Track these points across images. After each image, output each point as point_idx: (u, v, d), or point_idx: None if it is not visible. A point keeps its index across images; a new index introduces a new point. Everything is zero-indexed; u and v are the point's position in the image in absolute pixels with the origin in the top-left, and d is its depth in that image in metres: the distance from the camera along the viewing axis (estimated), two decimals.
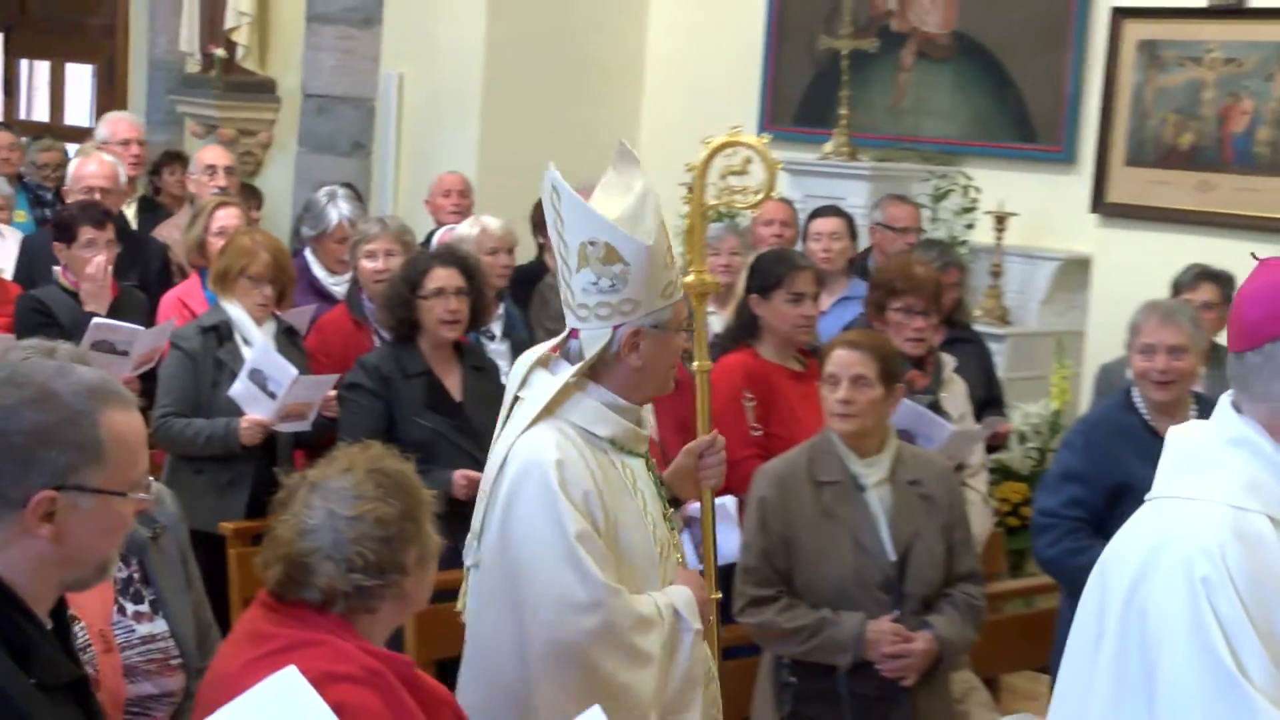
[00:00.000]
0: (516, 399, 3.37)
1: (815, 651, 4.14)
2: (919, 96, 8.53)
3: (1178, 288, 5.79)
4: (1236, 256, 6.32)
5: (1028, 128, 8.06)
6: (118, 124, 7.72)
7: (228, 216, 6.14)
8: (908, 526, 4.22)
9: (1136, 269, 6.81)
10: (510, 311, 6.12)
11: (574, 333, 3.34)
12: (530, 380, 3.35)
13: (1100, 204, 7.65)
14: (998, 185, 7.88)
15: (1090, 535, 4.49)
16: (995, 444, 5.85)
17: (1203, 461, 2.56)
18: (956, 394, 5.41)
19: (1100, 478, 4.52)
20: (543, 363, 3.37)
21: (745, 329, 5.09)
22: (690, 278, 3.60)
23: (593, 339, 3.29)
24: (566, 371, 3.31)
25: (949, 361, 5.47)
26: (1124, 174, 7.57)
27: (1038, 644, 4.92)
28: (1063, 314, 7.78)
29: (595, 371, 3.32)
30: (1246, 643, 2.39)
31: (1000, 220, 7.70)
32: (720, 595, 3.66)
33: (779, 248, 5.97)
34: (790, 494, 4.24)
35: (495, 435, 3.41)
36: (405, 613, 2.81)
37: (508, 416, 3.38)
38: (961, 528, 4.37)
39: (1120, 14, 7.55)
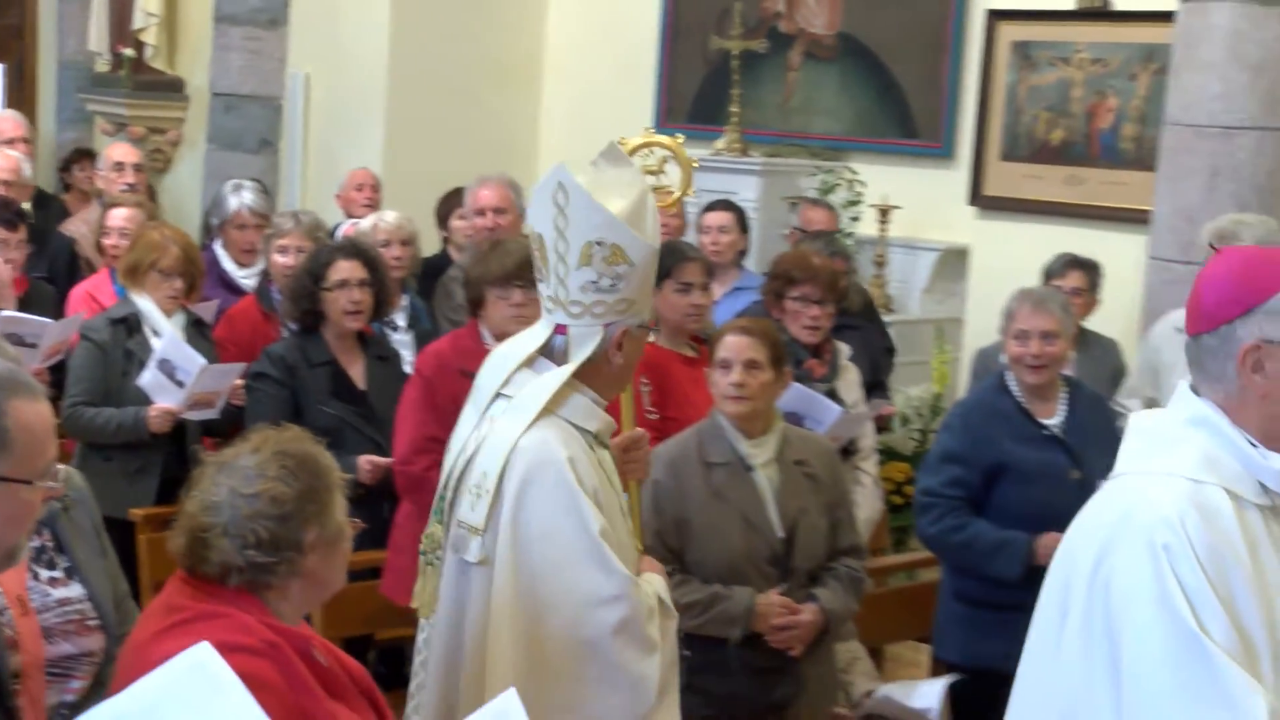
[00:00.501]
0: (499, 396, 3.29)
1: (708, 625, 4.16)
2: (807, 95, 8.60)
3: (1049, 275, 5.89)
4: (1104, 246, 6.49)
5: (909, 125, 8.14)
6: (3, 122, 7.61)
7: (120, 218, 6.11)
8: (794, 504, 4.24)
9: (1011, 258, 6.90)
10: (415, 303, 6.11)
11: (560, 329, 3.27)
12: (515, 380, 3.28)
13: (977, 197, 7.76)
14: (881, 180, 7.95)
15: (969, 513, 4.55)
16: (878, 425, 5.91)
17: (1162, 441, 2.59)
18: (851, 382, 5.46)
19: (978, 458, 4.56)
20: (527, 363, 3.30)
21: None
22: None
23: (583, 337, 3.24)
24: (554, 369, 3.25)
25: (844, 350, 5.50)
26: (999, 168, 7.69)
27: (919, 615, 4.98)
28: (943, 301, 7.88)
29: (585, 368, 3.26)
30: (1208, 606, 2.40)
31: (884, 213, 7.78)
32: None
33: (669, 239, 5.98)
34: (682, 475, 4.24)
35: (466, 433, 3.32)
36: (318, 592, 2.77)
37: (484, 413, 3.30)
38: (844, 505, 4.41)
39: (995, 16, 7.67)
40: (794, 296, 5.29)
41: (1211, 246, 2.70)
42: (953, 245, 7.87)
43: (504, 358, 3.35)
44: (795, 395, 4.85)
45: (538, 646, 3.16)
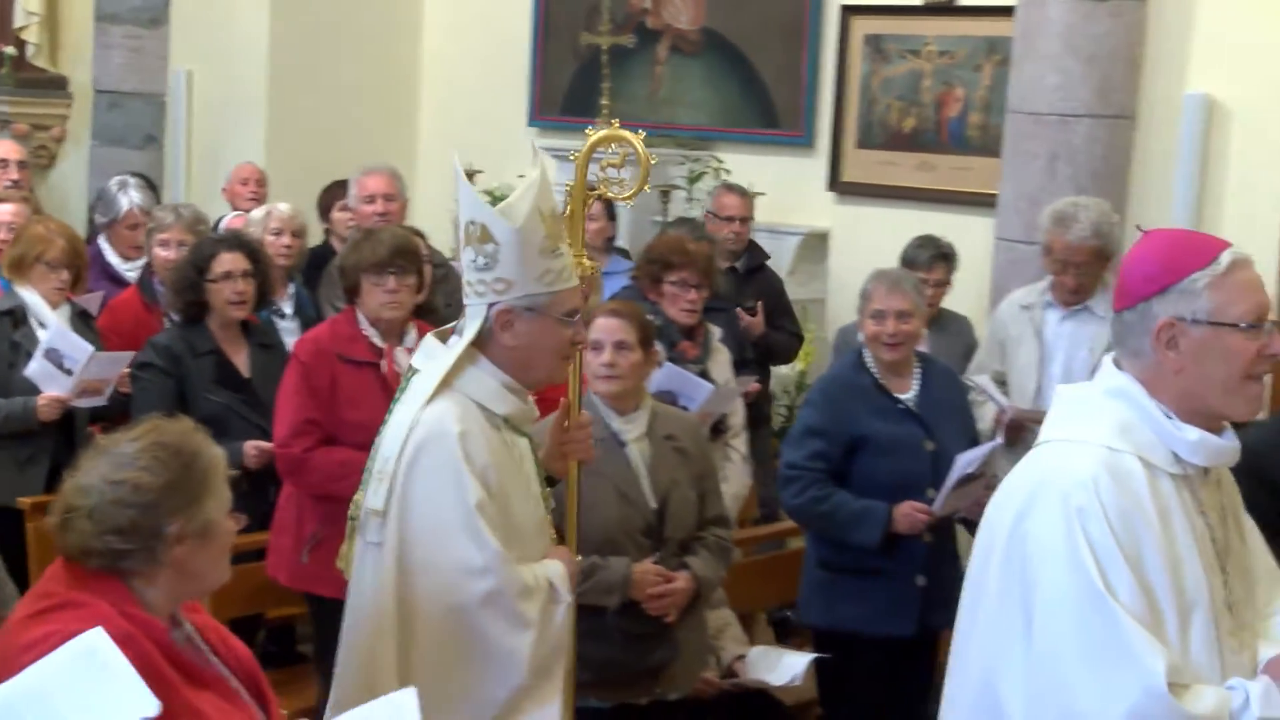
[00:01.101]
0: (413, 370, 3.30)
1: (587, 594, 4.14)
2: (674, 88, 8.62)
3: (911, 265, 5.90)
4: (954, 228, 6.59)
5: (771, 115, 8.19)
6: None
7: (5, 213, 5.98)
8: (665, 477, 4.27)
9: (868, 241, 7.00)
10: (300, 291, 6.06)
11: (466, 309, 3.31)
12: (427, 351, 3.31)
13: (836, 183, 7.83)
14: (746, 167, 7.99)
15: (831, 484, 4.58)
16: (750, 403, 5.95)
17: (1083, 410, 2.63)
18: (722, 362, 5.50)
19: (838, 432, 4.59)
20: (440, 337, 3.33)
21: None
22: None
23: (473, 314, 3.24)
24: (457, 345, 3.26)
25: (716, 332, 5.54)
26: (856, 156, 7.76)
27: (787, 583, 5.01)
28: (806, 284, 7.93)
29: (483, 348, 3.25)
30: (1116, 567, 2.44)
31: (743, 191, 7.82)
32: (581, 560, 3.64)
33: None
34: None
35: (390, 409, 3.30)
36: (192, 584, 2.67)
37: (404, 388, 3.31)
38: (710, 477, 4.45)
39: (848, 11, 7.73)
40: (672, 281, 5.33)
41: (1139, 228, 2.74)
42: (814, 229, 7.94)
43: (428, 335, 3.37)
44: (669, 374, 4.88)
45: (414, 614, 3.15)
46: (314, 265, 6.44)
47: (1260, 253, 6.31)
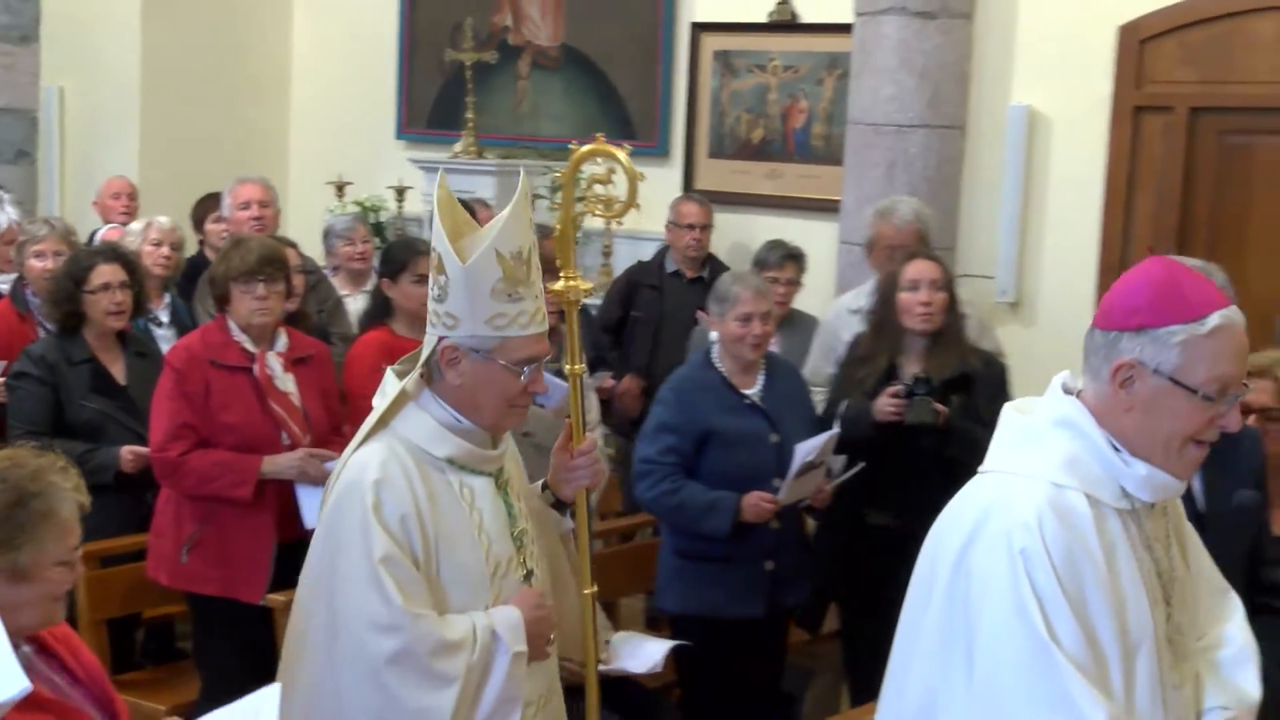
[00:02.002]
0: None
1: None
2: (535, 101, 8.66)
3: (763, 266, 5.97)
4: (802, 233, 6.71)
5: (628, 127, 8.25)
6: None
7: None
8: (527, 474, 4.30)
9: (721, 245, 7.07)
10: (176, 300, 6.01)
11: None
12: (382, 388, 2.98)
13: (690, 191, 7.91)
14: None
15: (683, 477, 4.61)
16: (602, 398, 6.01)
17: (1029, 439, 2.45)
18: None
19: (689, 428, 4.62)
20: (399, 373, 2.99)
21: (380, 309, 5.10)
22: (560, 284, 3.23)
23: (427, 342, 2.93)
24: (409, 377, 2.94)
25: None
26: (709, 165, 7.86)
27: (647, 571, 5.07)
28: None
29: (431, 381, 2.93)
30: (1060, 613, 2.29)
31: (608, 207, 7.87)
32: (596, 589, 3.33)
33: (405, 236, 5.99)
34: None
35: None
36: (5, 617, 2.44)
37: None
38: None
39: (698, 28, 7.83)
40: None
41: (1150, 249, 2.58)
42: None
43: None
44: None
45: (329, 663, 2.89)
46: (189, 275, 6.37)
47: (1080, 250, 6.63)
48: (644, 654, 4.45)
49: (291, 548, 4.17)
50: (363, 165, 8.98)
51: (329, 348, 5.04)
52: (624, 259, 8.03)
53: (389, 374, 2.98)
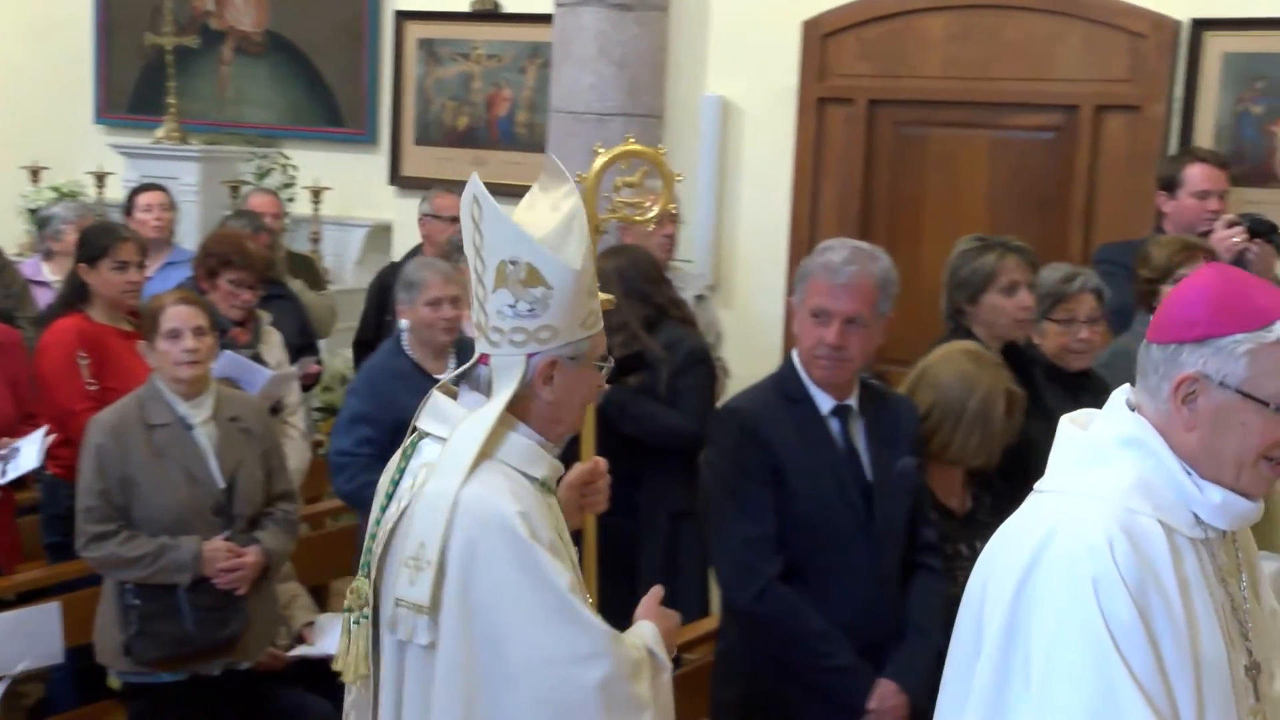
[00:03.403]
0: (420, 433, 2.64)
1: (158, 574, 4.09)
2: (240, 87, 8.46)
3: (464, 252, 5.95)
4: None
5: (336, 114, 8.16)
6: None
7: None
8: (232, 457, 4.23)
9: None
10: None
11: (484, 359, 2.59)
12: (434, 408, 2.62)
13: (397, 177, 7.89)
14: (313, 164, 7.95)
15: (381, 468, 4.57)
16: (308, 383, 5.93)
17: (1094, 458, 2.21)
18: (273, 345, 5.43)
19: (384, 417, 4.50)
20: (445, 391, 2.65)
21: (76, 295, 4.92)
22: None
23: (505, 368, 2.55)
24: (482, 403, 2.57)
25: (265, 317, 5.48)
26: (415, 152, 7.83)
27: (352, 553, 5.02)
28: (374, 272, 7.93)
29: (514, 404, 2.56)
30: (1136, 649, 2.04)
31: (316, 194, 7.78)
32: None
33: (103, 221, 5.79)
34: (124, 438, 4.15)
35: (391, 473, 2.65)
36: None
37: (410, 454, 2.64)
38: (276, 455, 4.42)
39: (402, 16, 7.78)
40: (230, 279, 5.24)
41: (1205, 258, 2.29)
42: (379, 221, 7.98)
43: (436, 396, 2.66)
44: (227, 361, 4.82)
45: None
46: None
47: (773, 235, 6.85)
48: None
49: None
50: (59, 150, 8.60)
51: (19, 333, 4.83)
52: (333, 243, 7.94)
53: (439, 397, 2.63)
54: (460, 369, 2.63)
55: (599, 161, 2.94)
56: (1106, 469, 2.18)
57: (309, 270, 6.75)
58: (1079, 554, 2.07)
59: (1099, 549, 2.07)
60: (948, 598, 3.37)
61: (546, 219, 2.55)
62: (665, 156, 3.02)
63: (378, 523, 2.62)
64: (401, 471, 2.62)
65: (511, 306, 2.50)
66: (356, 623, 2.58)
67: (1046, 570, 2.10)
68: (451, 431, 2.53)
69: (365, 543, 2.63)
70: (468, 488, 2.48)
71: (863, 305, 3.32)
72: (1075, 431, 2.27)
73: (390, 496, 2.62)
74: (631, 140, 3.04)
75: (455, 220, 6.38)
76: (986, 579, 2.21)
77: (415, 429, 2.62)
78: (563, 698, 2.46)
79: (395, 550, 2.55)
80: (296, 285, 6.32)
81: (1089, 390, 4.44)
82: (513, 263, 2.48)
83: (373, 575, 2.59)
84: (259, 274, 5.28)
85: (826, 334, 3.32)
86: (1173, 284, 4.69)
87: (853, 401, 3.44)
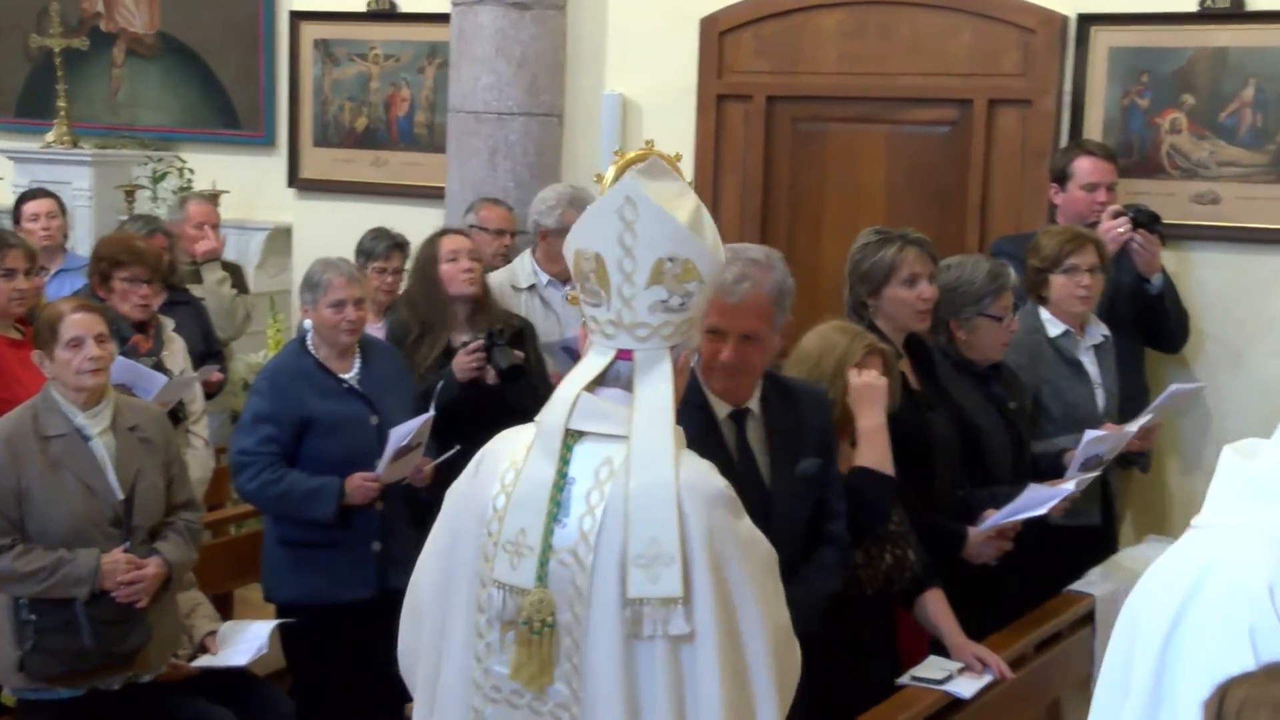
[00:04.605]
0: (577, 434, 2.58)
1: (55, 588, 4.00)
2: (133, 90, 8.29)
3: (370, 257, 5.85)
4: (408, 219, 6.66)
5: (232, 116, 8.03)
6: None
7: None
8: (131, 467, 4.14)
9: (329, 234, 6.92)
10: None
11: (624, 354, 2.59)
12: (589, 409, 2.57)
13: (296, 180, 7.76)
14: (211, 167, 7.82)
15: (284, 466, 4.51)
16: (210, 391, 5.83)
17: (1259, 492, 2.02)
18: (176, 352, 5.36)
19: (287, 416, 4.51)
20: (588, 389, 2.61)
21: None
22: None
23: (650, 361, 2.57)
24: (626, 399, 2.57)
25: (168, 323, 5.41)
26: (314, 154, 7.71)
27: (256, 561, 4.92)
28: (274, 276, 7.84)
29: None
30: None
31: (214, 198, 7.63)
32: None
33: None
34: (18, 450, 4.05)
35: (545, 483, 2.56)
36: None
37: (569, 458, 2.58)
38: (177, 463, 4.34)
39: (297, 17, 7.64)
40: (123, 278, 5.16)
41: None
42: (278, 224, 7.86)
43: (569, 388, 2.61)
44: (122, 368, 4.72)
45: (771, 664, 2.57)
46: None
47: None
48: (248, 639, 4.37)
49: None
50: None
51: None
52: (233, 248, 7.79)
53: (588, 397, 2.60)
54: (597, 371, 2.60)
55: (619, 164, 3.11)
56: (1271, 503, 1.98)
57: (237, 276, 6.69)
58: (1236, 599, 1.91)
59: (1259, 596, 1.88)
60: (841, 567, 3.46)
61: (679, 214, 2.59)
62: (677, 159, 3.07)
63: (550, 533, 2.56)
64: (563, 475, 2.57)
65: (664, 302, 2.56)
66: (537, 633, 2.55)
67: (1199, 615, 1.94)
68: (623, 427, 2.55)
69: (539, 553, 2.54)
70: (682, 474, 2.52)
71: (758, 322, 3.23)
72: (1239, 461, 2.07)
73: (558, 503, 2.57)
74: (651, 144, 3.15)
75: (500, 233, 6.15)
76: (1136, 618, 2.06)
77: (568, 431, 2.58)
78: (790, 663, 2.63)
79: (604, 552, 2.51)
80: (223, 286, 6.29)
81: (998, 382, 4.50)
82: (671, 259, 2.54)
83: (566, 590, 2.53)
84: (153, 269, 5.20)
85: (722, 353, 3.24)
86: (1062, 273, 4.78)
87: (753, 404, 3.35)
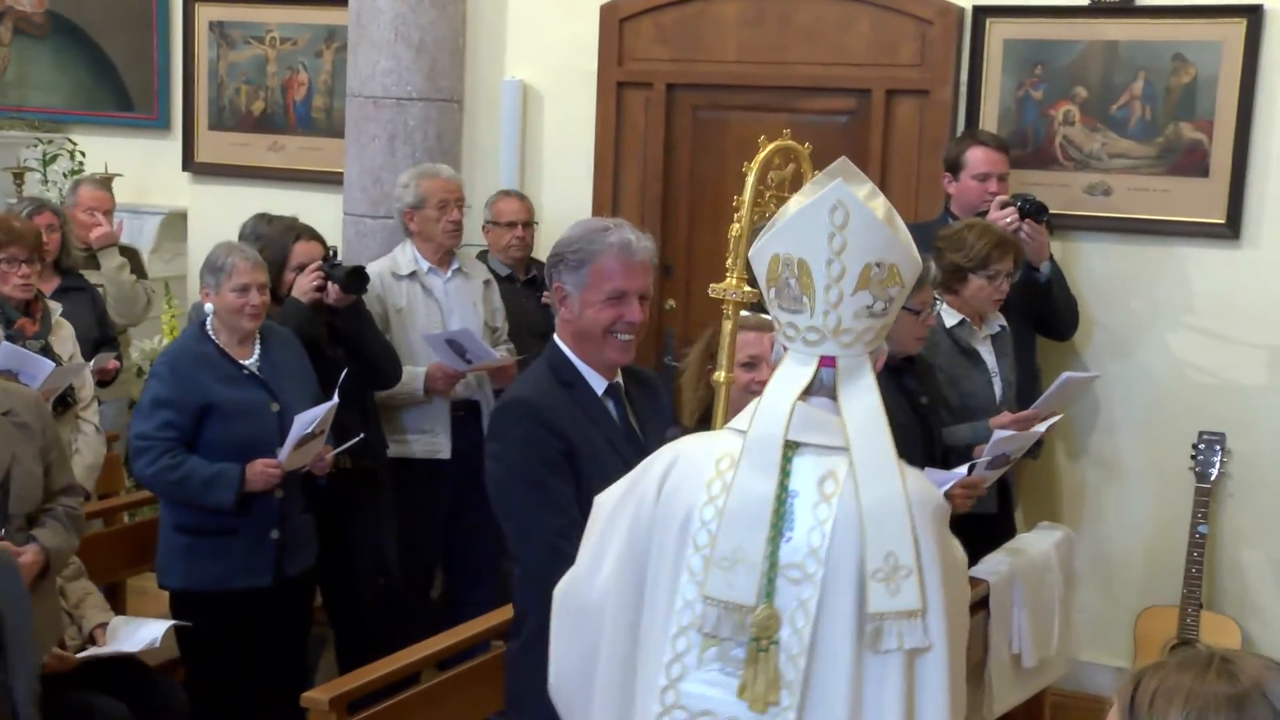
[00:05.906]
0: (796, 446, 2.51)
1: None
2: (21, 70, 8.04)
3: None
4: (306, 204, 6.57)
5: (125, 98, 7.82)
6: None
7: None
8: (6, 453, 4.00)
9: (224, 219, 6.72)
10: None
11: (825, 362, 2.54)
12: (808, 420, 2.52)
13: (191, 164, 7.59)
14: (103, 150, 7.62)
15: (183, 452, 4.44)
16: (105, 379, 5.69)
17: None
18: (65, 337, 5.22)
19: (186, 401, 4.45)
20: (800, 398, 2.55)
21: None
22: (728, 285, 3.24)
23: (853, 367, 2.53)
24: (832, 407, 2.53)
25: (56, 308, 5.27)
26: (209, 137, 7.54)
27: (149, 549, 4.83)
28: (169, 261, 7.65)
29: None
30: None
31: (107, 181, 7.42)
32: None
33: None
34: None
35: (765, 498, 2.48)
36: None
37: (787, 470, 2.50)
38: (55, 448, 4.21)
39: None
40: (1, 259, 5.01)
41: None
42: (174, 209, 7.66)
43: (782, 402, 2.54)
44: (7, 353, 4.58)
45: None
46: None
47: (575, 219, 6.72)
48: (141, 634, 4.26)
49: None
50: None
51: None
52: (127, 232, 7.58)
53: (803, 407, 2.55)
54: (806, 380, 2.54)
55: (760, 155, 3.24)
56: None
57: (135, 261, 6.58)
58: None
59: None
60: None
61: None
62: (808, 151, 3.20)
63: (775, 549, 2.48)
64: (784, 489, 2.50)
65: (869, 307, 2.51)
66: (764, 650, 2.48)
67: None
68: (840, 438, 2.49)
69: (764, 569, 2.47)
70: (910, 487, 2.48)
71: (650, 281, 3.39)
72: None
73: (782, 516, 2.50)
74: (787, 135, 3.22)
75: (512, 225, 6.04)
76: None
77: (788, 443, 2.50)
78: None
79: (834, 567, 2.45)
80: (123, 272, 6.18)
81: (912, 376, 4.51)
82: (878, 265, 2.49)
83: (791, 606, 2.47)
84: (33, 249, 5.05)
85: (628, 312, 3.30)
86: (984, 276, 4.79)
87: (620, 379, 3.44)
